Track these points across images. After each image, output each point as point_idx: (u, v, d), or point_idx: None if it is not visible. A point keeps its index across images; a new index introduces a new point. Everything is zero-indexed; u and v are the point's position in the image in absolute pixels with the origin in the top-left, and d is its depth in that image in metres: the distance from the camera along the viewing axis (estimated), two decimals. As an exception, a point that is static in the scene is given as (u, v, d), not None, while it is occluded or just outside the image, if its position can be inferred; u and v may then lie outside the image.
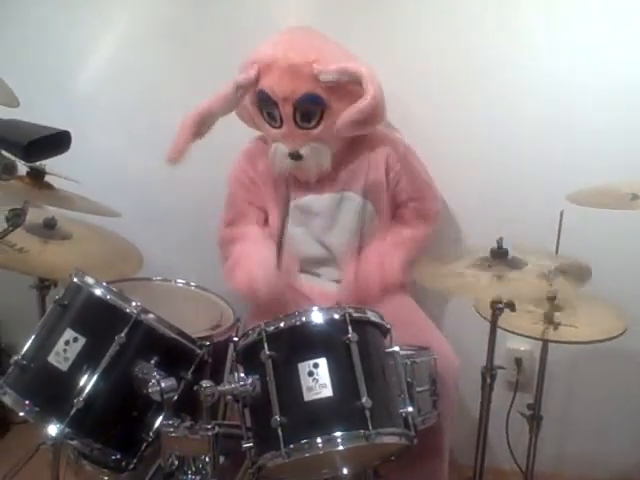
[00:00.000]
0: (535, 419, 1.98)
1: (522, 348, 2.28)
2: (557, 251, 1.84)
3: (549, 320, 1.79)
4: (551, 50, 2.07)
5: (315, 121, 1.88)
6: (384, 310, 1.55)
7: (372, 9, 2.15)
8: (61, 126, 1.30)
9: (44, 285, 1.91)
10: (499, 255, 1.67)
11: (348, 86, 1.85)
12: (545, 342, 1.94)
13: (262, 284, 1.89)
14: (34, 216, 1.76)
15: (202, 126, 1.86)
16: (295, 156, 1.92)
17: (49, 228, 1.87)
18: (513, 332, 1.74)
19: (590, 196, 1.71)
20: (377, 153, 2.00)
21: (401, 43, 2.14)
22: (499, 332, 1.75)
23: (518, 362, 2.30)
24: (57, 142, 1.27)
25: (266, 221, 2.10)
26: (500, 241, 1.64)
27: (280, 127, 1.91)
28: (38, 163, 1.69)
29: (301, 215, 2.03)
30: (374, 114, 1.84)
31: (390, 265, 1.98)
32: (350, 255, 2.03)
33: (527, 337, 1.79)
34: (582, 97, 2.08)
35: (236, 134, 2.07)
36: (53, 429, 1.41)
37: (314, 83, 1.83)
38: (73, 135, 1.31)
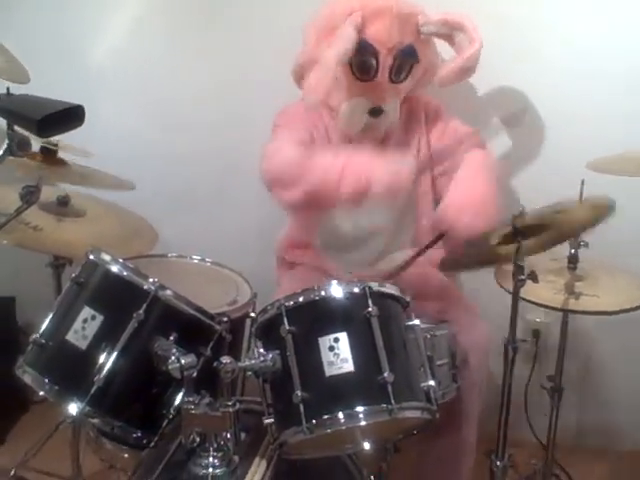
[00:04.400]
0: (556, 391, 1.97)
1: (539, 319, 2.26)
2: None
3: (570, 290, 1.77)
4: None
5: (405, 75, 1.86)
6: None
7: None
8: (73, 100, 1.27)
9: (59, 263, 1.91)
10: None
11: (432, 46, 1.89)
12: (565, 313, 1.92)
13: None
14: (47, 194, 1.74)
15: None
16: (376, 112, 1.85)
17: (63, 205, 1.86)
18: (535, 303, 1.71)
19: (610, 163, 1.68)
20: (419, 113, 1.98)
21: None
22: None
23: (535, 334, 2.28)
24: (70, 116, 1.25)
25: None
26: (523, 210, 1.61)
27: (372, 80, 1.83)
28: (52, 139, 1.67)
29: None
30: (475, 63, 1.83)
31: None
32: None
33: (549, 308, 1.76)
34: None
35: (258, 109, 2.04)
36: (73, 407, 1.40)
37: (416, 35, 1.83)
38: (86, 109, 1.29)
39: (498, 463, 1.72)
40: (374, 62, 1.81)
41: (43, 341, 1.47)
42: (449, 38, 1.85)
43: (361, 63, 1.82)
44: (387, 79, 1.84)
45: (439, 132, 1.99)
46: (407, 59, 1.84)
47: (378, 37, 1.79)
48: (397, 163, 1.70)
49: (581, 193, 1.77)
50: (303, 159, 1.72)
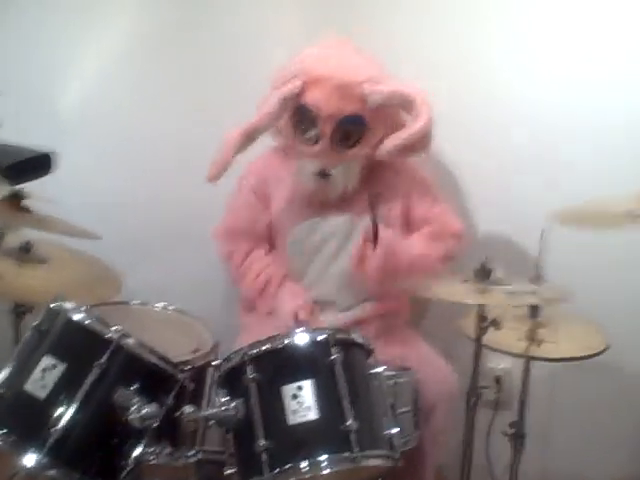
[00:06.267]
0: (518, 437, 1.97)
1: (501, 366, 2.28)
2: (539, 270, 1.85)
3: (531, 337, 1.79)
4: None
5: (352, 141, 1.85)
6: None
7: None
8: (42, 146, 1.27)
9: (20, 311, 1.86)
10: (483, 275, 1.66)
11: (391, 109, 1.83)
12: (528, 359, 1.94)
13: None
14: (9, 239, 1.73)
15: (244, 145, 1.84)
16: (323, 175, 1.88)
17: (25, 252, 1.83)
18: (497, 350, 1.73)
19: (570, 216, 1.72)
20: (399, 179, 1.97)
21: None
22: (476, 351, 1.74)
23: (498, 380, 2.29)
24: (39, 165, 1.25)
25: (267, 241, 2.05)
26: (485, 261, 1.64)
27: (314, 145, 1.86)
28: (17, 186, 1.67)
29: (313, 237, 1.97)
30: (422, 141, 1.82)
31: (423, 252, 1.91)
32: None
33: (509, 354, 1.79)
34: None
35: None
36: (30, 459, 1.37)
37: (361, 104, 1.81)
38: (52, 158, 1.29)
39: (461, 510, 1.72)
40: (314, 129, 1.84)
41: (1, 391, 1.44)
42: (405, 108, 1.83)
43: (302, 127, 1.87)
44: (330, 145, 1.85)
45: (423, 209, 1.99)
46: (352, 127, 1.84)
47: (316, 104, 1.82)
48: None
49: (541, 243, 1.82)
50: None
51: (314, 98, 1.81)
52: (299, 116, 1.86)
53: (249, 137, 1.84)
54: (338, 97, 1.80)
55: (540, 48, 2.09)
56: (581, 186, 2.03)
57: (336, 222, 1.95)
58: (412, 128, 1.78)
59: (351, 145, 1.86)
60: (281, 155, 2.01)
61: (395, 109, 1.84)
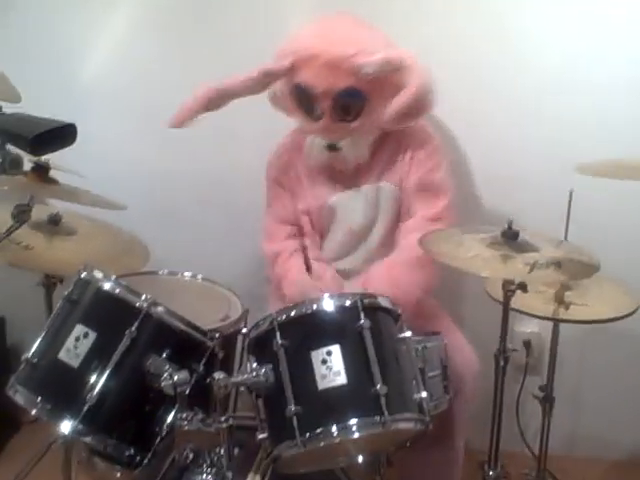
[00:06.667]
0: (548, 401, 1.98)
1: (529, 330, 2.27)
2: (567, 231, 1.83)
3: (560, 300, 1.79)
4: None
5: (354, 114, 1.84)
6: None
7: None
8: (65, 119, 1.28)
9: (50, 282, 1.89)
10: (510, 237, 1.65)
11: (390, 77, 1.79)
12: (556, 323, 1.94)
13: None
14: (38, 212, 1.74)
15: (214, 102, 1.82)
16: (333, 148, 1.88)
17: (54, 224, 1.85)
18: (525, 313, 1.73)
19: (600, 167, 1.69)
20: (409, 145, 1.94)
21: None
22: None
23: (527, 344, 2.29)
24: (63, 135, 1.26)
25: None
26: (510, 223, 1.63)
27: (318, 121, 1.87)
28: (43, 158, 1.68)
29: (338, 212, 1.98)
30: (419, 105, 1.79)
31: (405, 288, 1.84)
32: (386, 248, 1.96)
33: (538, 318, 1.78)
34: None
35: (243, 123, 2.05)
36: (66, 426, 1.40)
37: (354, 77, 1.78)
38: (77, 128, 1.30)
39: (491, 473, 1.73)
40: (314, 105, 1.84)
41: (35, 360, 1.47)
42: (400, 74, 1.78)
43: (304, 106, 1.87)
44: (332, 119, 1.84)
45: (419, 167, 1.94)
46: (350, 100, 1.82)
47: (309, 82, 1.81)
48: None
49: (569, 203, 1.81)
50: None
51: (306, 76, 1.81)
52: (298, 95, 1.86)
53: (220, 96, 1.82)
54: (328, 73, 1.79)
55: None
56: (613, 142, 2.00)
57: (357, 194, 1.95)
58: (406, 92, 1.75)
59: (353, 118, 1.85)
60: (300, 135, 2.00)
61: (394, 76, 1.80)
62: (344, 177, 1.96)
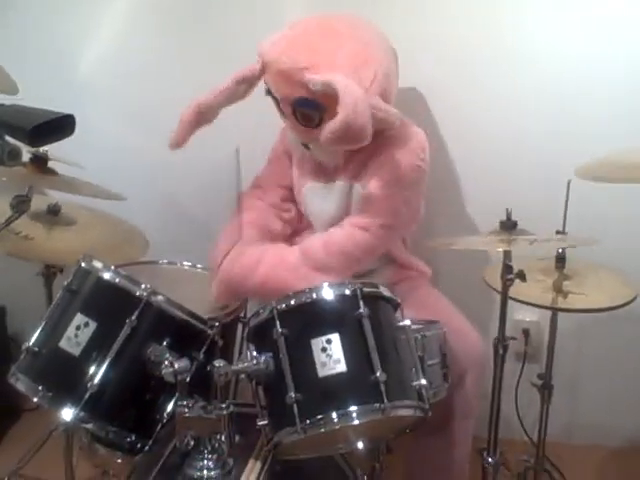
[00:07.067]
0: (546, 389, 1.99)
1: (528, 319, 2.29)
2: (565, 221, 1.84)
3: (558, 289, 1.79)
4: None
5: (318, 121, 1.78)
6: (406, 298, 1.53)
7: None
8: (63, 110, 1.28)
9: (50, 272, 1.90)
10: (508, 227, 1.65)
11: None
12: (554, 311, 1.95)
13: None
14: (38, 203, 1.76)
15: (201, 119, 1.80)
16: (306, 146, 1.90)
17: (53, 214, 1.86)
18: (523, 302, 1.73)
19: (597, 168, 1.70)
20: (383, 152, 1.84)
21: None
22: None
23: (526, 333, 2.30)
24: (61, 126, 1.26)
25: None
26: (509, 212, 1.63)
27: (286, 120, 1.87)
28: (41, 149, 1.68)
29: (315, 201, 1.98)
30: (349, 135, 1.66)
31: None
32: None
33: (537, 306, 1.79)
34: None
35: (243, 113, 2.04)
36: (67, 413, 1.41)
37: (306, 88, 1.72)
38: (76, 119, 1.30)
39: (490, 460, 1.74)
40: (280, 107, 1.84)
41: (36, 349, 1.47)
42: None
43: (276, 105, 1.86)
44: (296, 123, 1.82)
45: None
46: (308, 109, 1.78)
47: (271, 87, 1.82)
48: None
49: (567, 194, 1.81)
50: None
51: (268, 81, 1.82)
52: (271, 95, 1.85)
53: (203, 114, 1.79)
54: (283, 82, 1.77)
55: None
56: (606, 138, 2.01)
57: (331, 188, 1.94)
58: (331, 125, 1.64)
59: (317, 125, 1.78)
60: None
61: None
62: (325, 169, 1.95)
